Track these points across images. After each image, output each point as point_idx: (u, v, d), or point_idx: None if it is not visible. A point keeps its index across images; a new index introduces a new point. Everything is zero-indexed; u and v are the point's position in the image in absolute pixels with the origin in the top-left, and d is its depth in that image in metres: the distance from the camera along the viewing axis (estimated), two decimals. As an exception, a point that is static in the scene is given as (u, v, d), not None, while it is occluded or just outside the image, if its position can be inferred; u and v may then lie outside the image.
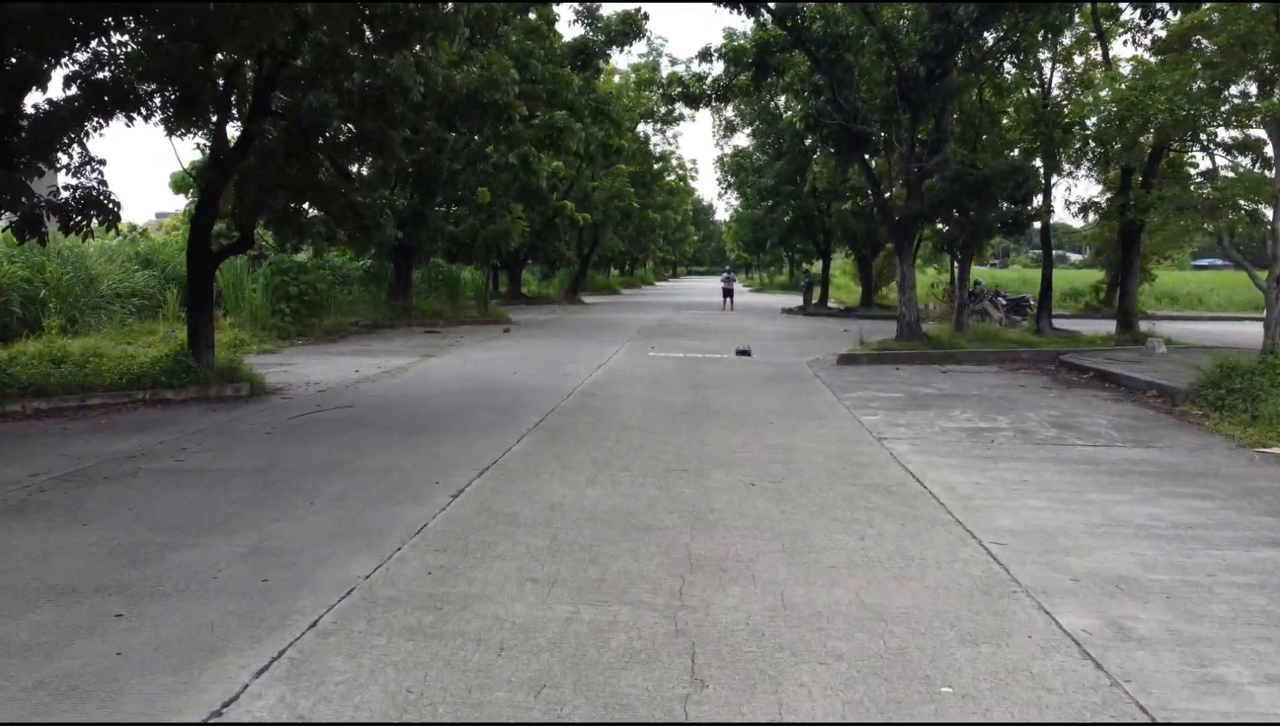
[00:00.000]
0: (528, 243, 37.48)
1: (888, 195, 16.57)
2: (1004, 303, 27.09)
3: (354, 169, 26.20)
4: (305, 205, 11.48)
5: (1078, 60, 17.75)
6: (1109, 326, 23.65)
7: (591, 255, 40.51)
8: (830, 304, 33.11)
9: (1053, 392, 11.96)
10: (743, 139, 35.09)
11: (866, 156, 16.67)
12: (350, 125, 10.03)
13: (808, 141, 29.44)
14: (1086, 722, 3.27)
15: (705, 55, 17.76)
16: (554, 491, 6.36)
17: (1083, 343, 17.29)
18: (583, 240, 40.14)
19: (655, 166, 42.02)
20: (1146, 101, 10.23)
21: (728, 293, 33.10)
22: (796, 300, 46.21)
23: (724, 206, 73.73)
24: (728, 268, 36.81)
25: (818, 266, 39.33)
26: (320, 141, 10.05)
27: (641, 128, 40.76)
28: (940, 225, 17.76)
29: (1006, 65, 16.59)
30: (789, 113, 27.54)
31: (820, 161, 28.03)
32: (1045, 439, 8.64)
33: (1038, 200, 16.49)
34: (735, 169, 34.49)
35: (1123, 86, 11.57)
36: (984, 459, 7.67)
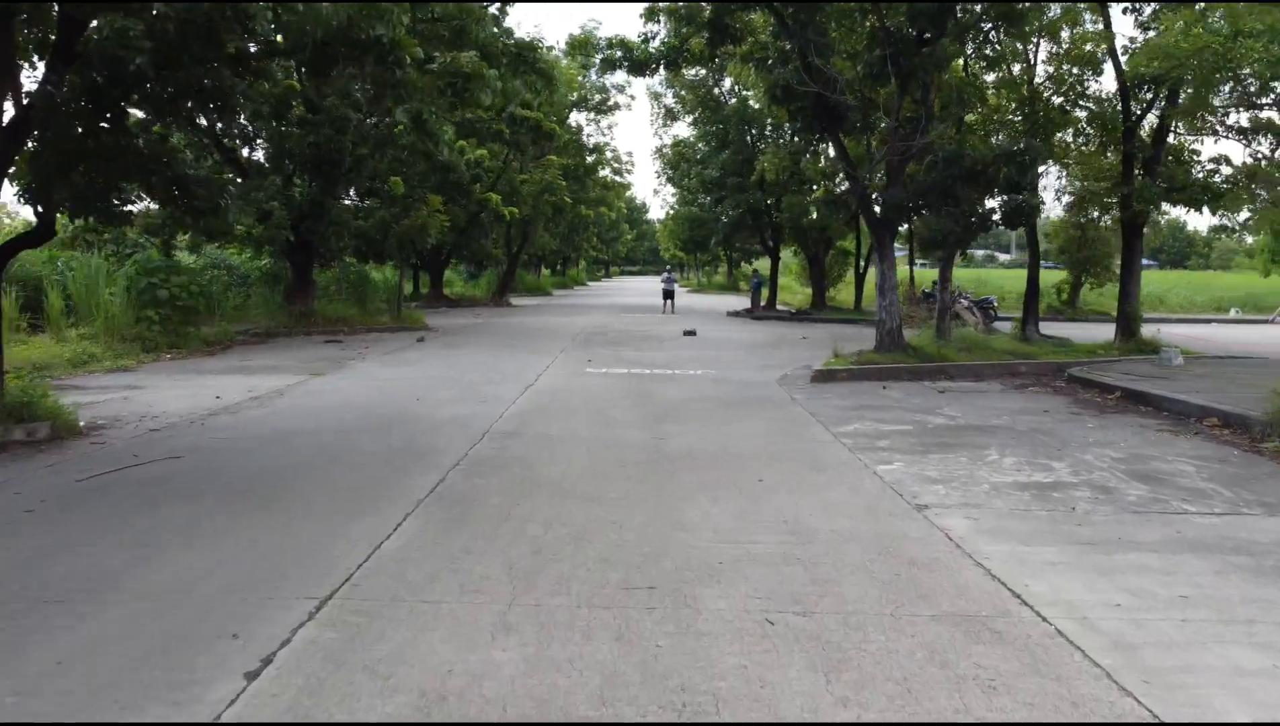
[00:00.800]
0: (450, 240, 34.48)
1: (865, 183, 14.18)
2: (966, 304, 25.26)
3: (245, 155, 23.23)
4: (127, 182, 8.46)
5: (1064, 35, 15.69)
6: (1089, 331, 21.88)
7: (521, 254, 37.63)
8: (779, 306, 30.87)
9: (1087, 420, 9.70)
10: (683, 129, 32.68)
11: (840, 136, 14.28)
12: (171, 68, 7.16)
13: (764, 127, 27.22)
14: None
15: (653, 14, 15.19)
16: (435, 658, 3.66)
17: (1080, 352, 15.24)
18: (511, 237, 37.22)
19: (589, 159, 39.34)
20: (1237, 51, 8.06)
21: (668, 295, 30.63)
22: (737, 301, 44.06)
23: (660, 203, 71.51)
24: (668, 268, 34.29)
25: (765, 265, 37.20)
26: (125, 89, 7.13)
27: (575, 118, 38.05)
28: (917, 218, 15.48)
29: (995, 35, 14.44)
30: (746, 91, 25.23)
31: (771, 152, 25.74)
32: (1137, 501, 6.28)
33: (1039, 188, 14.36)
34: (675, 161, 31.99)
35: (1200, 31, 9.39)
36: (1085, 546, 5.24)
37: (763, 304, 30.09)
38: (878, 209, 14.29)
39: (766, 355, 16.67)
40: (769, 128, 28.84)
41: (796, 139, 25.65)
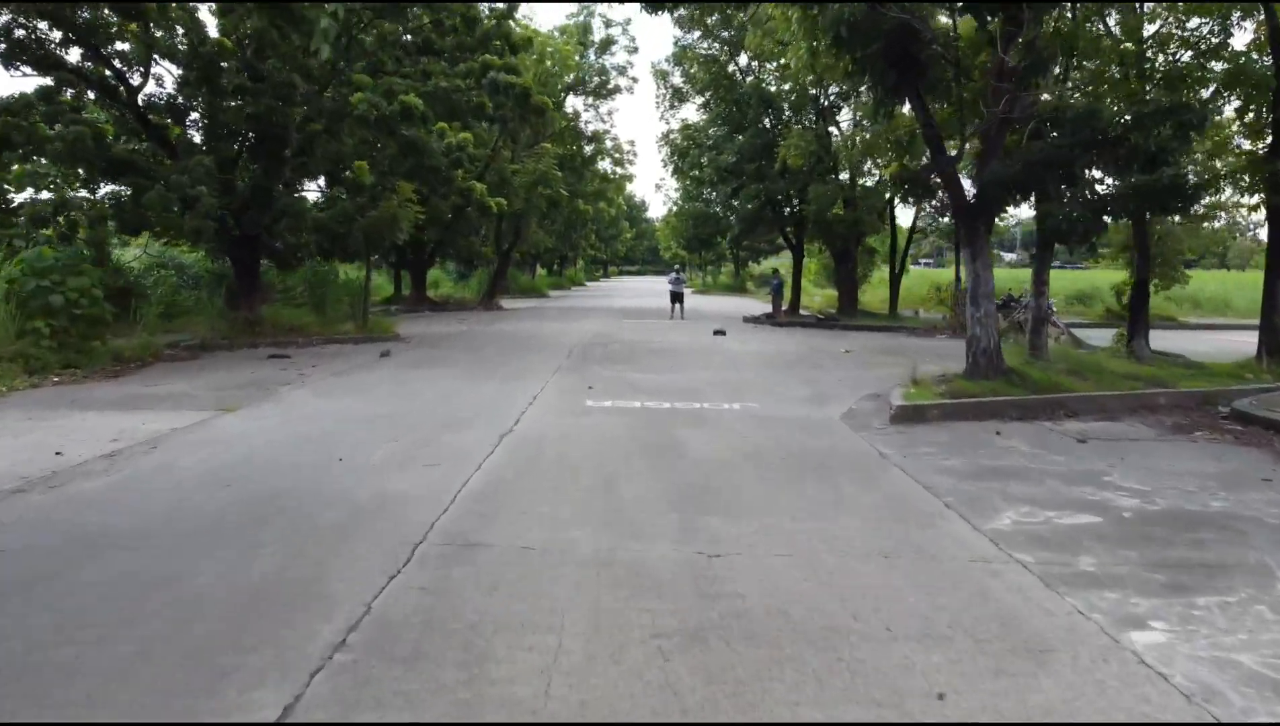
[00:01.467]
0: (434, 236, 31.12)
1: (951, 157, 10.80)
2: (1018, 308, 21.93)
3: (180, 133, 19.84)
4: None
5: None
6: (1182, 342, 18.59)
7: (513, 252, 34.27)
8: (802, 311, 27.49)
9: (1354, 501, 6.36)
10: (692, 112, 29.36)
11: (921, 93, 10.87)
12: None
13: (783, 110, 23.94)
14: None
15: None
16: None
17: (1219, 374, 11.89)
18: (502, 233, 33.84)
19: (586, 149, 36.00)
20: None
21: (677, 297, 27.26)
22: (748, 303, 40.75)
23: (662, 200, 67.91)
24: (676, 267, 30.82)
25: (781, 263, 33.94)
26: None
27: (572, 103, 34.70)
28: (1009, 202, 12.11)
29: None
30: (768, 64, 21.92)
31: (796, 135, 22.38)
32: None
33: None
34: (684, 148, 28.60)
35: None
36: None
37: (784, 307, 26.73)
38: (969, 189, 10.92)
39: (811, 376, 13.33)
40: (787, 110, 25.50)
41: (866, 98, 22.17)
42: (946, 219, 24.88)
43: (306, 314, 19.09)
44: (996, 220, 25.89)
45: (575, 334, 20.93)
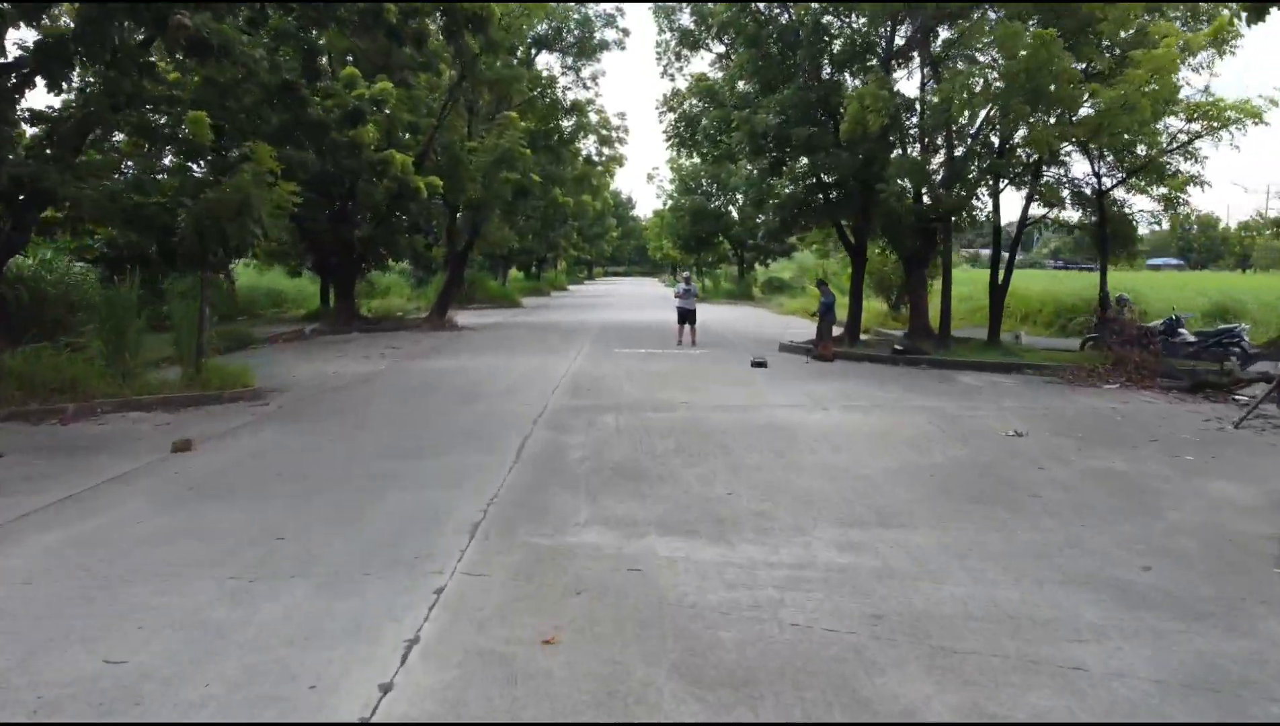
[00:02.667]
0: (366, 232, 23.55)
1: None
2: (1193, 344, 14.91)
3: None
4: None
5: None
6: None
7: (469, 252, 26.65)
8: (864, 335, 20.01)
9: None
10: (704, 66, 21.87)
11: None
12: None
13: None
14: None
15: None
16: None
17: None
18: (457, 230, 26.24)
19: (565, 123, 28.51)
20: None
21: (687, 316, 19.79)
22: (760, 315, 33.28)
23: (655, 191, 59.25)
24: (685, 274, 23.05)
25: (792, 265, 26.74)
26: None
27: (545, 62, 27.15)
28: None
29: None
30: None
31: (874, 80, 15.01)
32: None
33: None
34: (693, 116, 20.97)
35: None
36: None
37: (834, 331, 19.20)
38: None
39: (1085, 568, 5.90)
40: (839, 46, 18.07)
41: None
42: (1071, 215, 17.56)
43: (83, 366, 11.36)
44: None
45: (539, 386, 13.41)
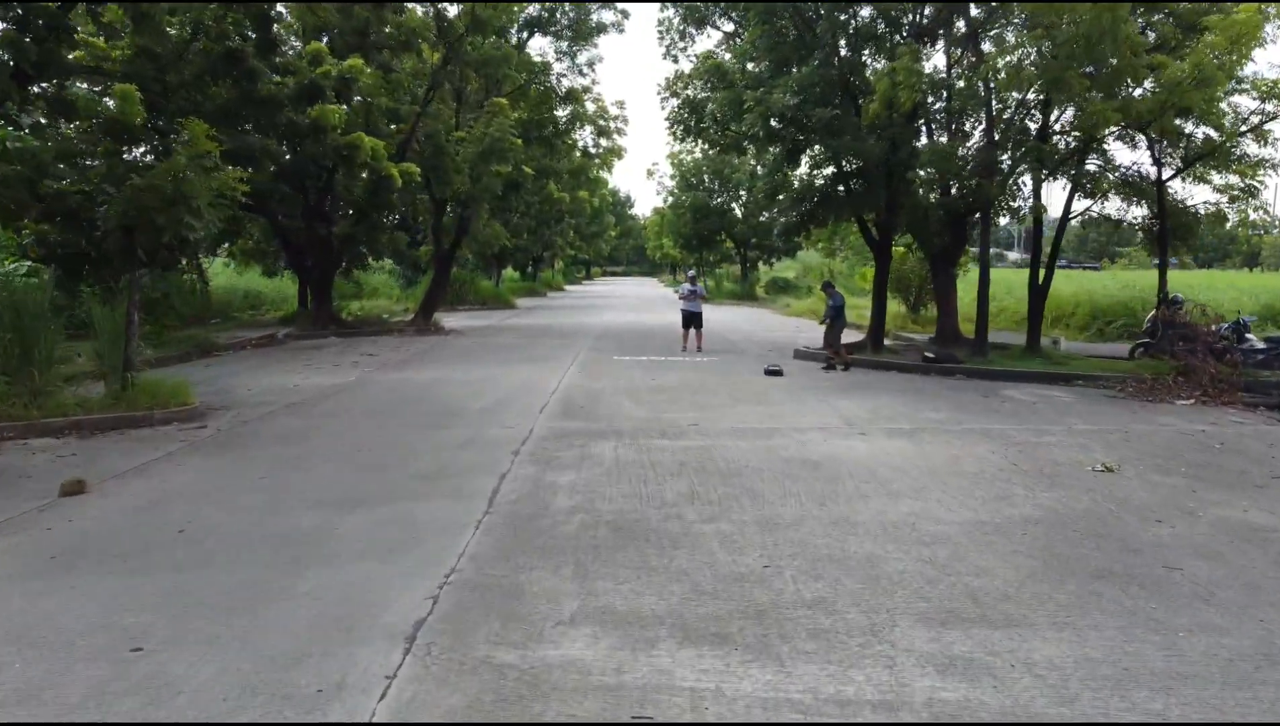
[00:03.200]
0: (345, 229, 21.77)
1: None
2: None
3: None
4: None
5: None
6: None
7: (456, 250, 24.84)
8: (889, 339, 18.21)
9: None
10: (713, 45, 20.03)
11: None
12: None
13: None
14: None
15: None
16: None
17: None
18: (442, 226, 24.43)
19: (560, 113, 26.67)
20: None
21: (691, 319, 18.02)
22: (764, 316, 31.52)
23: (655, 187, 56.99)
24: (691, 272, 21.14)
25: (832, 265, 25.16)
26: None
27: (539, 46, 25.34)
28: None
29: None
30: None
31: (906, 53, 13.23)
32: None
33: None
34: (699, 103, 19.15)
35: None
36: None
37: (844, 337, 17.37)
38: None
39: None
40: (861, 19, 16.28)
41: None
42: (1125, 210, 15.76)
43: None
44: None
45: (526, 404, 11.63)
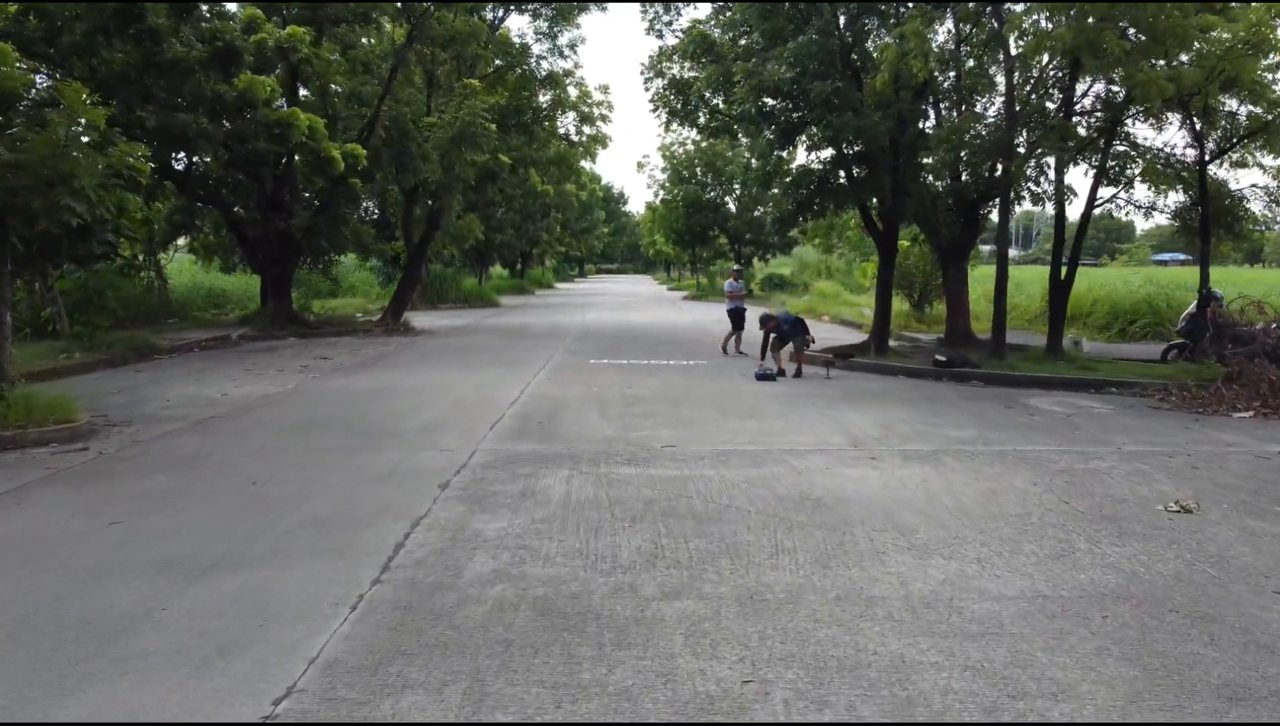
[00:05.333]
0: (304, 221, 20.13)
1: None
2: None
3: None
4: None
5: None
6: None
7: (428, 245, 23.14)
8: (894, 341, 16.59)
9: None
10: (703, 14, 18.36)
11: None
12: None
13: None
14: None
15: None
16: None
17: None
18: (413, 220, 22.77)
19: (542, 98, 25.00)
20: None
21: (739, 318, 16.43)
22: (752, 314, 29.69)
23: (646, 181, 55.18)
24: (736, 267, 19.02)
25: (829, 261, 23.77)
26: None
27: (515, 26, 23.70)
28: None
29: None
30: None
31: (916, 17, 11.62)
32: None
33: None
34: (684, 84, 17.54)
35: None
36: None
37: (839, 342, 15.72)
38: None
39: None
40: None
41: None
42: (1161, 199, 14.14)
43: None
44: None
45: (477, 418, 10.05)
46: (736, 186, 42.28)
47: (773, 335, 13.42)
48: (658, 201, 45.42)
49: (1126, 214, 14.36)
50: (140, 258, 25.10)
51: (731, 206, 43.09)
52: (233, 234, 20.16)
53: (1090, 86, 13.52)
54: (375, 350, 17.72)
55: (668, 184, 43.42)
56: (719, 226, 43.10)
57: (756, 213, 42.32)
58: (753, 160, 38.70)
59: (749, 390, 11.92)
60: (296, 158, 18.55)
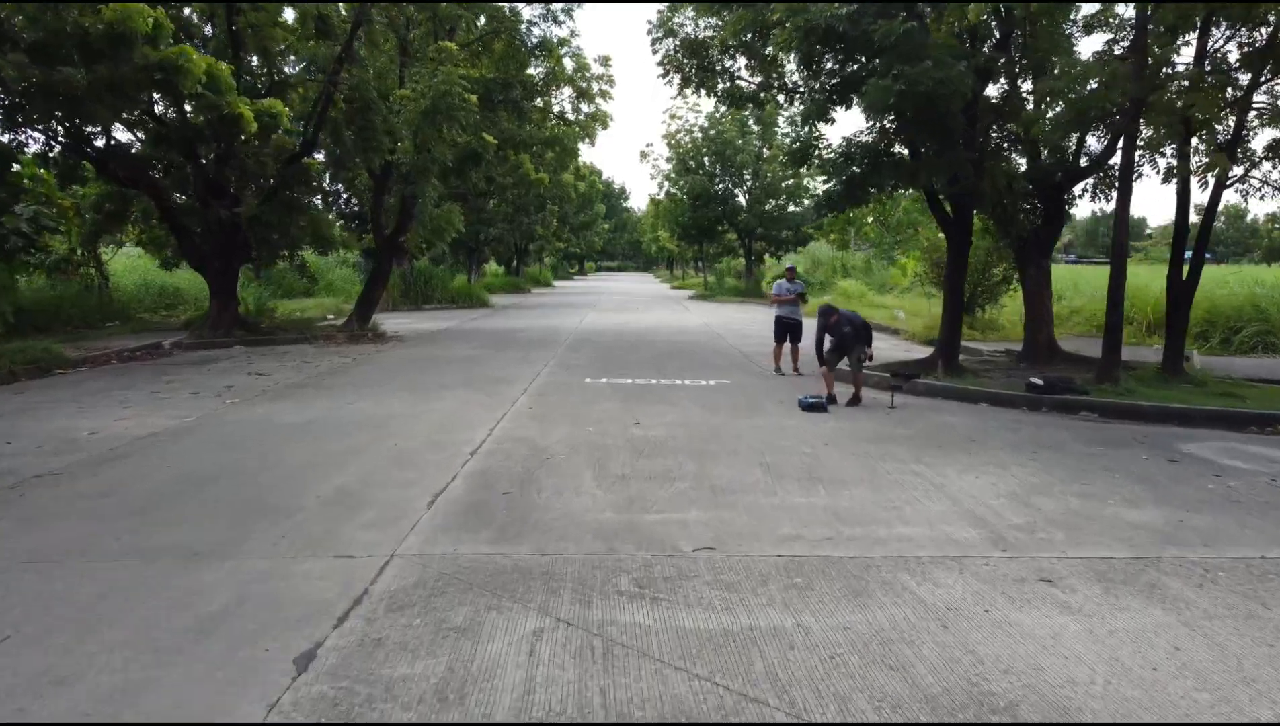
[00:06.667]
0: (251, 209, 17.07)
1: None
2: None
3: None
4: None
5: None
6: None
7: (399, 237, 20.00)
8: (967, 344, 13.44)
9: None
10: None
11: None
12: None
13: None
14: None
15: None
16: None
17: None
18: (382, 208, 19.68)
19: (534, 70, 21.90)
20: None
21: (790, 330, 13.07)
22: (769, 317, 26.51)
23: (649, 171, 51.55)
24: (790, 265, 14.95)
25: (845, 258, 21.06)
26: None
27: (503, -10, 20.66)
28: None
29: None
30: None
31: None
32: None
33: None
34: (699, 43, 14.44)
35: None
36: None
37: (865, 358, 12.47)
38: None
39: None
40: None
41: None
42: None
43: None
44: None
45: (418, 479, 6.99)
46: (747, 176, 39.19)
47: (828, 338, 10.32)
48: (662, 194, 42.28)
49: (1262, 197, 11.42)
50: (79, 252, 22.13)
51: (741, 199, 39.99)
52: (166, 224, 17.06)
53: (1234, 32, 10.46)
54: (328, 363, 14.67)
55: (673, 174, 40.29)
56: (728, 220, 39.97)
57: (768, 206, 39.23)
58: (791, 122, 35.08)
59: (798, 429, 8.87)
60: (244, 138, 15.46)
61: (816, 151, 13.17)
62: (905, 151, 11.82)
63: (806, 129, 12.67)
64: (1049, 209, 13.06)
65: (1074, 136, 12.61)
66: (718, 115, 39.21)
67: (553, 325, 22.87)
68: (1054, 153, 13.03)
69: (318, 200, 19.15)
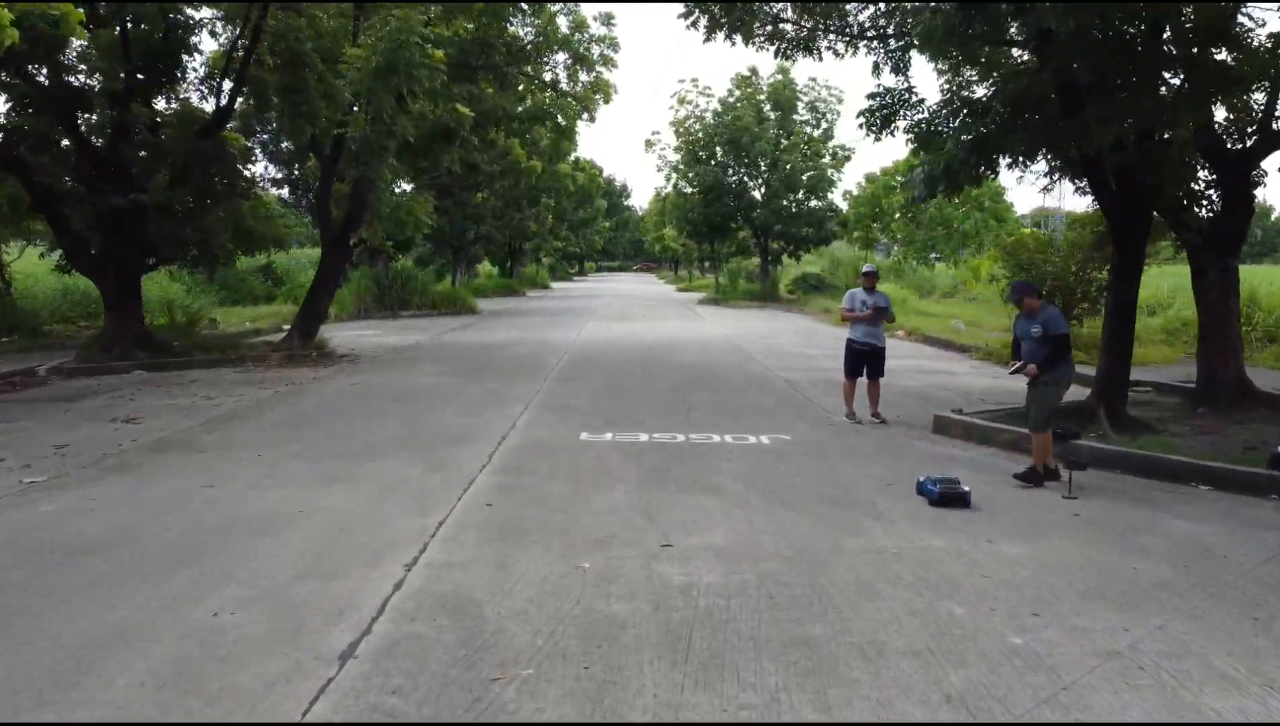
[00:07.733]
0: (155, 196, 13.24)
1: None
2: None
3: None
4: None
5: None
6: None
7: (351, 232, 16.05)
8: (1135, 388, 9.50)
9: None
10: None
11: None
12: None
13: None
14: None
15: None
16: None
17: None
18: (330, 196, 15.82)
19: (523, 30, 18.01)
20: None
21: (867, 358, 9.36)
22: (801, 324, 22.62)
23: (656, 162, 47.59)
24: (869, 268, 10.93)
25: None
26: None
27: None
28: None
29: None
30: None
31: None
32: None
33: None
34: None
35: None
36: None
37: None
38: None
39: None
40: None
41: None
42: None
43: None
44: None
45: (274, 685, 3.00)
46: (764, 167, 35.35)
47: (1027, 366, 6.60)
48: (669, 187, 38.41)
49: None
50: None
51: (757, 193, 36.15)
52: (40, 213, 13.26)
53: None
54: (236, 399, 10.87)
55: (681, 166, 36.42)
56: (742, 215, 36.11)
57: (785, 201, 35.37)
58: (806, 121, 31.31)
59: (958, 560, 5.05)
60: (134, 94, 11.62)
61: (901, 110, 9.38)
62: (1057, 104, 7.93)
63: (897, 80, 8.83)
64: (1230, 194, 9.29)
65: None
66: (731, 100, 35.41)
67: (544, 339, 18.99)
68: (1235, 112, 9.29)
69: (258, 186, 15.29)
